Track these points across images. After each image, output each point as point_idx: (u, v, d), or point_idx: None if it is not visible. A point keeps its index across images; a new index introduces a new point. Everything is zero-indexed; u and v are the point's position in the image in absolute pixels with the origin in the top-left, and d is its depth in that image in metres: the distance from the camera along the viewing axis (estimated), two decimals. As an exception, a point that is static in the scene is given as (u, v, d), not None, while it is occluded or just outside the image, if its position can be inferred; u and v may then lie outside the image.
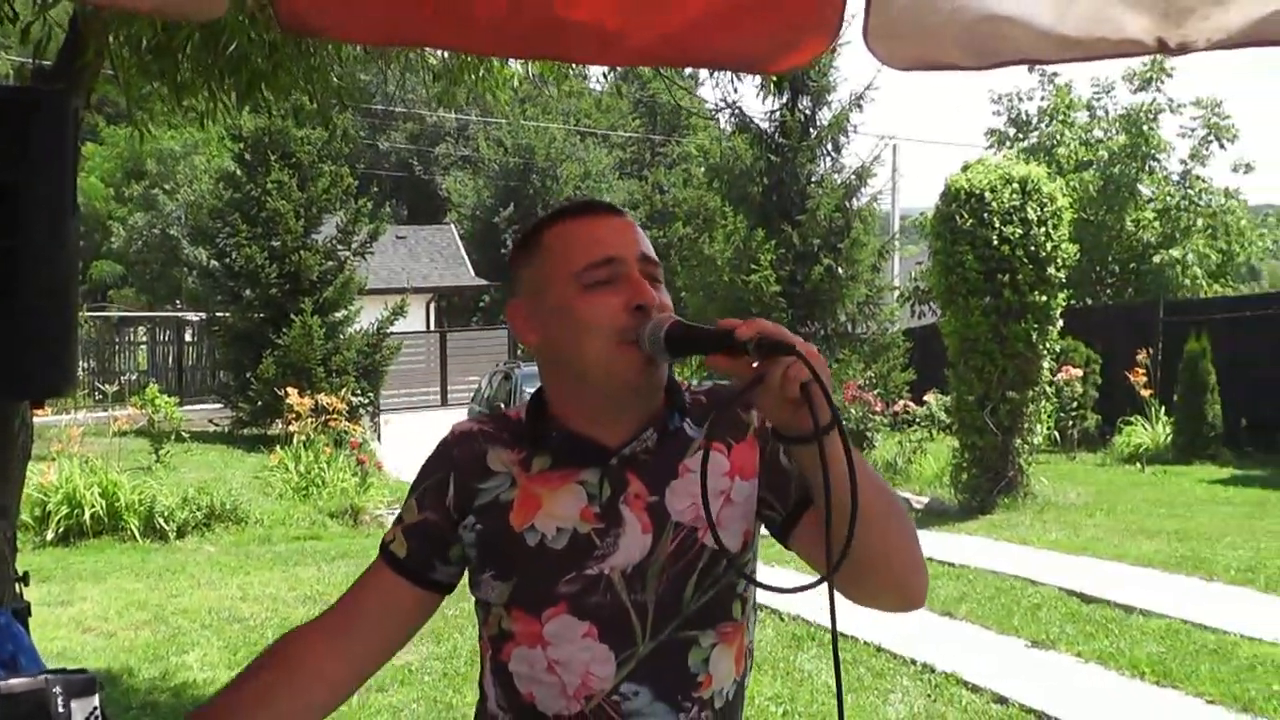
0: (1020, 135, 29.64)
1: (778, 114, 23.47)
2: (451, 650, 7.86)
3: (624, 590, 1.87)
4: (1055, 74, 29.15)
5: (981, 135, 31.94)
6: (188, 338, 33.76)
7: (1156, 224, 27.09)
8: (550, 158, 49.86)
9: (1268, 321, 17.79)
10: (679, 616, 1.88)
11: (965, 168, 13.65)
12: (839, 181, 23.32)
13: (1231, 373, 16.74)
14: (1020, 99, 29.88)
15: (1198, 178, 28.17)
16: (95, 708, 2.42)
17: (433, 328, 41.18)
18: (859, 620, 7.84)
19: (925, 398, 18.63)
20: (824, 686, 6.92)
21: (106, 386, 21.54)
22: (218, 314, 24.38)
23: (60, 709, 2.36)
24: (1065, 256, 13.09)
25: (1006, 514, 12.75)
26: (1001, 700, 6.59)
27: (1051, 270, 12.89)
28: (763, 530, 2.01)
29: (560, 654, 1.87)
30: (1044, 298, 12.87)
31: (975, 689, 6.80)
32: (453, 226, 49.26)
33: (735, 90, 24.00)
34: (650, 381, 1.89)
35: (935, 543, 10.97)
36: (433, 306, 42.88)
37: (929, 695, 6.78)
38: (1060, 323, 13.50)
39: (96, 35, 4.54)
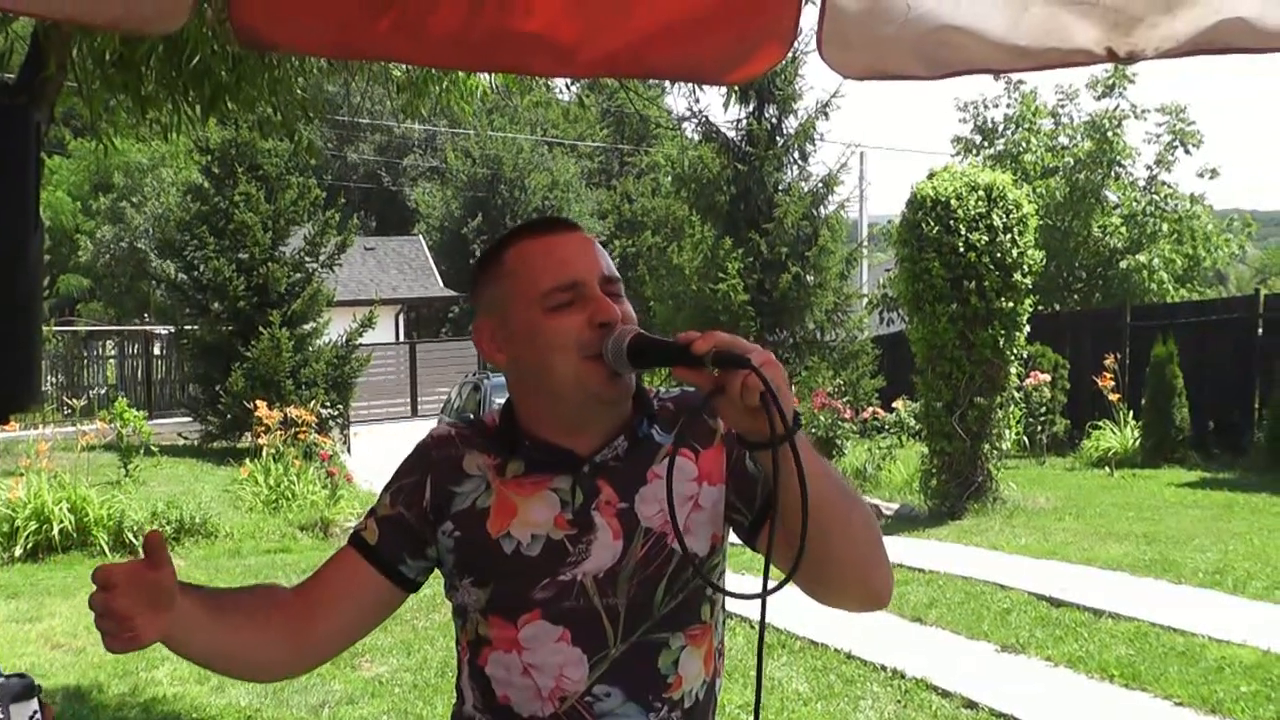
0: (986, 142, 29.76)
1: (744, 123, 23.53)
2: (422, 662, 7.85)
3: (596, 595, 1.91)
4: (1021, 81, 29.31)
5: (948, 143, 32.10)
6: (156, 351, 33.54)
7: (1123, 230, 27.26)
8: (518, 168, 49.86)
9: (1234, 325, 17.90)
10: (650, 619, 1.92)
11: (931, 175, 13.68)
12: (806, 190, 23.40)
13: (1198, 377, 16.83)
14: (986, 106, 30.04)
15: (1163, 183, 28.37)
16: (35, 711, 2.44)
17: (402, 339, 41.12)
18: (829, 627, 7.88)
19: (894, 404, 18.68)
20: (794, 694, 6.93)
21: (74, 401, 21.41)
22: (186, 327, 24.19)
23: (1, 714, 2.37)
24: (1032, 263, 13.13)
25: (976, 519, 12.78)
26: (971, 705, 6.60)
27: (1018, 276, 12.92)
28: (733, 536, 2.04)
29: (535, 658, 1.91)
30: (1010, 304, 12.90)
31: (945, 694, 6.80)
32: (421, 238, 49.23)
33: (698, 101, 24.05)
34: (617, 393, 1.92)
35: (905, 548, 10.98)
36: (402, 318, 42.83)
37: (899, 701, 6.79)
38: (1028, 328, 13.54)
39: (58, 48, 4.53)
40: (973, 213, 12.82)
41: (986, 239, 12.77)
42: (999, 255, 12.81)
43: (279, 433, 16.18)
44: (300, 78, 6.08)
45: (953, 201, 12.86)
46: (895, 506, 14.13)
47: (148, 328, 36.62)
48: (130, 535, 12.43)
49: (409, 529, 2.00)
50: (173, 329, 27.22)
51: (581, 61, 2.55)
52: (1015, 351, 13.45)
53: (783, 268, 22.35)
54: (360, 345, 24.48)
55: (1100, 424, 17.59)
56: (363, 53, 3.50)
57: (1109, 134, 27.44)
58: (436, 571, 2.07)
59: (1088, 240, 27.32)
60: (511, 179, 49.64)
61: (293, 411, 16.77)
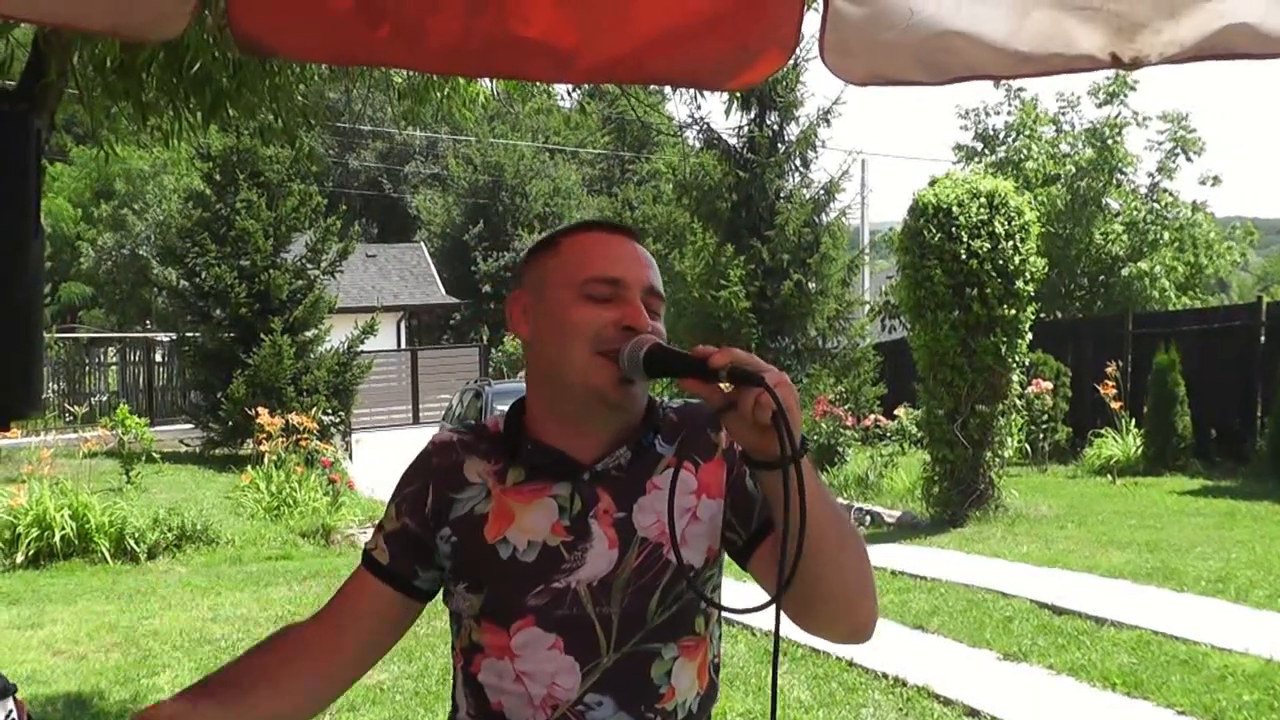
0: (988, 150, 29.76)
1: (746, 130, 23.49)
2: (423, 669, 7.84)
3: (590, 603, 1.90)
4: (1021, 89, 29.36)
5: (949, 150, 32.11)
6: (158, 358, 33.58)
7: (1125, 237, 27.24)
8: (519, 175, 49.95)
9: (1236, 333, 17.86)
10: (643, 629, 1.91)
11: (933, 182, 13.67)
12: (808, 197, 23.33)
13: (1200, 384, 16.82)
14: (987, 114, 30.04)
15: (1165, 191, 28.37)
16: (10, 711, 2.43)
17: (404, 346, 41.11)
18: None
19: (896, 412, 18.69)
20: (795, 702, 6.91)
21: (76, 408, 21.39)
22: (187, 334, 24.18)
23: None
24: (1034, 270, 13.12)
25: (978, 527, 12.77)
26: (973, 713, 6.60)
27: (1020, 284, 12.91)
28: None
29: (527, 665, 1.91)
30: (1012, 311, 12.90)
31: (947, 702, 6.80)
32: (423, 244, 49.26)
33: (699, 107, 24.03)
34: (624, 399, 1.92)
35: (907, 556, 10.97)
36: (403, 325, 42.81)
37: (901, 709, 6.78)
38: (1030, 336, 13.52)
39: (59, 55, 4.53)
40: (974, 220, 12.82)
41: (988, 246, 12.76)
42: (1001, 262, 12.81)
43: (280, 440, 16.19)
44: (301, 84, 6.07)
45: (954, 209, 12.86)
46: (897, 514, 14.14)
47: (149, 335, 36.64)
48: (131, 542, 12.44)
49: (416, 540, 2.01)
50: (174, 336, 27.25)
51: (581, 67, 2.54)
52: (1017, 359, 13.44)
53: (784, 275, 22.31)
54: (362, 352, 24.51)
55: (1102, 432, 17.58)
56: (362, 59, 3.51)
57: (1110, 141, 27.44)
58: (449, 577, 2.07)
59: (1089, 248, 27.31)
60: (513, 186, 49.72)
61: (294, 418, 16.79)
